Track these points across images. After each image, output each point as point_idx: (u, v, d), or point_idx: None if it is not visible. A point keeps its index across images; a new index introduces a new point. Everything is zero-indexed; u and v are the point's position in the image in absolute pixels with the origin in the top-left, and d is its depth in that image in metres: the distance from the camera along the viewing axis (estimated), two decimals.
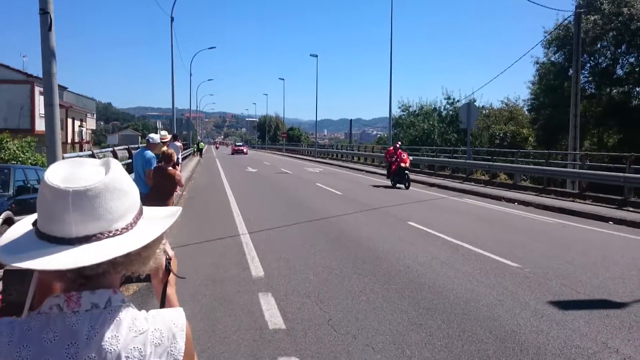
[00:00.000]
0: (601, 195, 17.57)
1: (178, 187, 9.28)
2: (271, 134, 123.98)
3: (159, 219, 1.22)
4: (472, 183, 24.37)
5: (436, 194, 20.32)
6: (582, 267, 8.31)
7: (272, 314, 5.87)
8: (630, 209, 15.40)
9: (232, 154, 68.80)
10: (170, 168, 8.50)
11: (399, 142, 24.26)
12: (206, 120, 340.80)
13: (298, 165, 41.63)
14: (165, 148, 9.45)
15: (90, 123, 61.33)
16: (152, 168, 8.85)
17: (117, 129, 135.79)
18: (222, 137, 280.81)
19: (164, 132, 13.70)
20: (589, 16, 32.51)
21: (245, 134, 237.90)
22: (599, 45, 35.38)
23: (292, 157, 63.16)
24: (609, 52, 35.73)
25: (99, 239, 1.08)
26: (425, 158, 32.88)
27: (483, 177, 25.52)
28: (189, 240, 10.00)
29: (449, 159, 29.85)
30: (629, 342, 5.21)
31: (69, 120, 48.09)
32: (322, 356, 4.77)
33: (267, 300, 6.36)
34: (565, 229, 12.27)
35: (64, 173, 1.11)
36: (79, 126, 51.99)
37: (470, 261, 8.58)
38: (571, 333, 5.40)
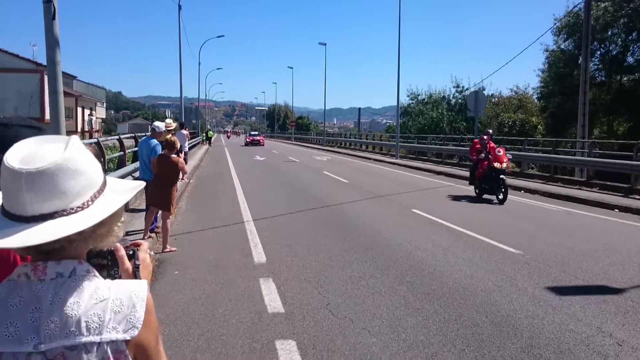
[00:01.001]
0: (608, 183, 17.49)
1: (184, 175, 9.37)
2: (280, 122, 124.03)
3: (122, 192, 1.28)
4: None
5: (442, 181, 20.31)
6: (583, 254, 8.33)
7: (271, 299, 5.96)
8: (637, 196, 15.34)
9: (246, 145, 57.99)
10: (173, 156, 8.57)
11: (490, 130, 16.15)
12: (216, 109, 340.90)
13: (306, 153, 41.69)
14: (169, 136, 9.52)
15: (100, 112, 61.67)
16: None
17: (127, 118, 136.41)
18: (232, 125, 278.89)
19: (169, 120, 13.69)
20: (599, 3, 32.17)
21: (254, 123, 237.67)
22: (609, 33, 34.96)
23: (300, 145, 63.21)
24: (619, 39, 35.30)
25: (53, 217, 1.14)
26: (433, 146, 32.83)
27: None
28: (193, 227, 10.12)
29: (457, 147, 29.78)
30: (624, 326, 5.25)
31: (79, 109, 48.36)
32: (319, 339, 4.85)
33: (268, 286, 6.45)
34: (570, 217, 12.26)
35: (24, 152, 1.16)
36: (89, 115, 52.29)
37: (471, 248, 8.63)
38: (566, 318, 5.45)
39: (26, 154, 1.16)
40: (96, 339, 1.13)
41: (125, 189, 1.30)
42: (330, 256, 7.96)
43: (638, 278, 7.02)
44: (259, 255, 8.00)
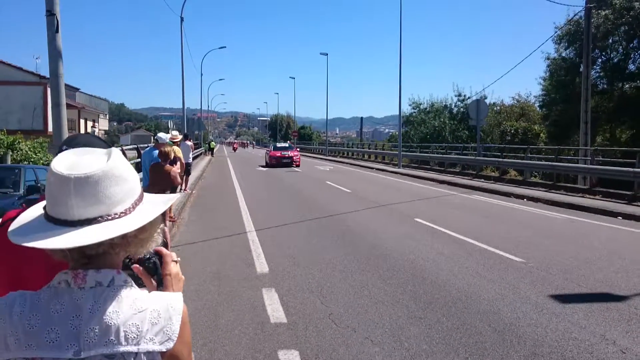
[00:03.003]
0: (611, 190, 17.44)
1: (183, 185, 9.43)
2: (282, 132, 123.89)
3: (157, 204, 1.32)
4: (482, 180, 24.30)
5: (445, 190, 20.30)
6: (587, 261, 8.31)
7: (274, 309, 5.96)
8: None
9: (270, 165, 36.11)
10: (167, 165, 8.66)
11: None
12: (218, 120, 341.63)
13: (309, 163, 41.73)
14: (166, 147, 9.59)
15: (103, 124, 61.85)
16: None
17: (129, 130, 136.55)
18: (235, 136, 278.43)
19: (175, 132, 13.82)
20: (600, 11, 32.19)
21: (257, 133, 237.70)
22: (610, 40, 35.00)
23: (303, 155, 63.13)
24: (620, 47, 35.33)
25: (98, 221, 1.18)
26: (436, 155, 32.84)
27: (493, 174, 25.45)
28: (196, 238, 10.13)
29: (459, 156, 29.78)
30: (627, 334, 5.23)
31: (82, 121, 48.55)
32: (322, 349, 4.85)
33: (270, 296, 6.45)
34: (573, 225, 12.23)
35: (69, 161, 1.21)
36: (92, 127, 52.45)
37: (474, 256, 8.61)
38: (570, 325, 5.43)
39: (72, 161, 1.22)
40: (134, 349, 1.16)
41: (160, 201, 1.34)
42: (332, 266, 7.96)
43: None
44: (261, 265, 8.00)
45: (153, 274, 1.38)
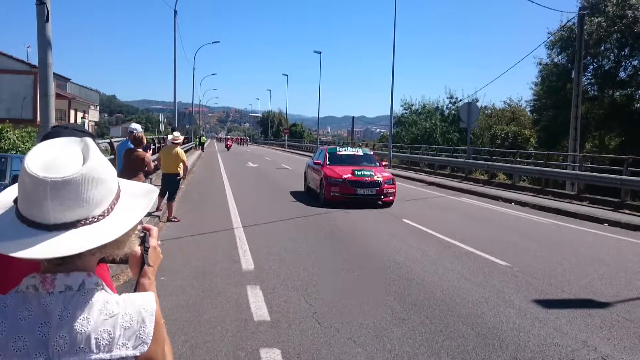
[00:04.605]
0: (598, 197, 17.56)
1: (149, 171, 9.47)
2: (274, 129, 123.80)
3: (136, 197, 1.28)
4: (471, 182, 24.38)
5: (434, 192, 20.35)
6: (571, 267, 8.35)
7: (258, 307, 5.93)
8: (626, 211, 15.41)
9: (332, 201, 14.73)
10: (139, 150, 8.74)
11: None
12: (210, 114, 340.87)
13: (299, 161, 41.61)
14: (137, 133, 9.55)
15: (94, 115, 61.45)
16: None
17: (120, 122, 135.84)
18: (226, 131, 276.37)
19: (176, 133, 12.87)
20: (593, 18, 32.42)
21: (248, 129, 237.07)
22: (602, 48, 35.26)
23: (294, 153, 63.20)
24: (612, 54, 35.61)
25: (77, 226, 1.13)
26: (425, 157, 32.92)
27: (482, 177, 25.54)
28: (182, 233, 10.07)
29: (449, 158, 29.88)
30: (609, 340, 5.26)
31: (72, 112, 48.21)
32: (304, 348, 4.83)
33: (255, 293, 6.42)
34: (559, 230, 12.30)
35: (44, 160, 1.14)
36: (82, 118, 52.07)
37: (460, 259, 8.63)
38: (552, 331, 5.45)
39: (48, 160, 1.14)
40: (106, 356, 1.12)
41: (139, 192, 1.30)
42: (319, 265, 7.95)
43: (625, 292, 7.04)
44: (247, 262, 7.97)
45: (141, 243, 1.39)
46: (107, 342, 1.12)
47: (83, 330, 1.11)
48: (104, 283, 1.21)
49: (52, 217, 1.11)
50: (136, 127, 9.98)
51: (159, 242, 1.47)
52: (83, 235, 1.12)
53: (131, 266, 1.43)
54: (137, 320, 1.17)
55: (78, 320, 1.11)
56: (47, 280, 1.15)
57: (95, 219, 1.15)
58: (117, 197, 1.23)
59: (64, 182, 1.10)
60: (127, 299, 1.20)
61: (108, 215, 1.18)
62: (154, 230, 1.46)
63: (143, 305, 1.20)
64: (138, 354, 1.15)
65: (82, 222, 1.13)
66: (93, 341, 1.11)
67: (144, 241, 1.39)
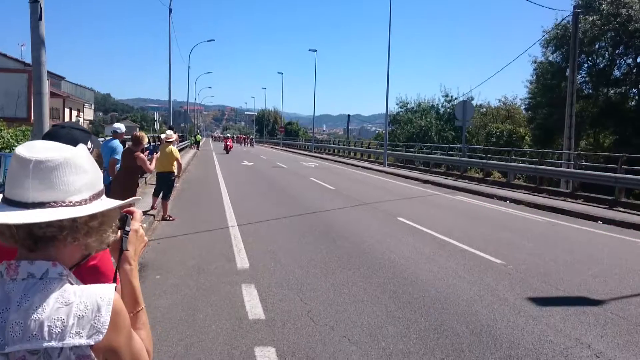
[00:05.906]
0: (593, 195, 17.64)
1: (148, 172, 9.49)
2: (269, 128, 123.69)
3: (116, 202, 1.32)
4: (466, 181, 24.42)
5: (429, 190, 20.37)
6: (566, 265, 8.38)
7: (253, 305, 5.93)
8: (621, 209, 15.48)
9: None
10: (138, 152, 8.70)
11: None
12: (205, 113, 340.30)
13: (294, 159, 41.66)
14: (138, 132, 9.51)
15: (88, 113, 61.29)
16: (117, 157, 8.93)
17: (115, 120, 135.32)
18: (221, 130, 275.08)
19: (170, 132, 12.71)
20: (587, 16, 32.48)
21: (243, 128, 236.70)
22: (597, 46, 35.33)
23: (289, 151, 63.17)
24: (606, 52, 35.69)
25: (52, 206, 1.18)
26: (421, 155, 32.96)
27: (477, 175, 25.61)
28: (177, 232, 10.06)
29: (444, 156, 29.92)
30: (602, 338, 5.28)
31: (66, 110, 48.08)
32: (299, 346, 4.83)
33: (250, 292, 6.42)
34: (554, 228, 12.33)
35: (34, 147, 1.22)
36: (76, 116, 51.98)
37: (455, 257, 8.65)
38: (546, 328, 5.47)
39: (37, 146, 1.23)
40: (58, 344, 1.12)
41: (120, 201, 1.35)
42: (313, 263, 7.95)
43: (618, 290, 7.07)
44: (242, 260, 7.97)
45: (122, 226, 1.40)
46: (60, 331, 1.13)
47: (37, 318, 1.13)
48: (69, 273, 1.23)
49: (30, 196, 1.17)
50: (120, 126, 9.92)
51: (143, 225, 1.50)
52: (55, 213, 1.17)
53: (111, 251, 1.45)
54: (92, 309, 1.17)
55: (34, 308, 1.13)
56: (12, 267, 1.19)
57: (72, 204, 1.20)
58: (99, 196, 1.28)
59: (46, 162, 1.18)
60: (85, 289, 1.21)
61: (85, 205, 1.22)
62: (138, 213, 1.48)
63: (100, 295, 1.20)
64: (92, 343, 1.15)
65: (59, 204, 1.18)
66: (46, 329, 1.12)
67: (124, 224, 1.41)
